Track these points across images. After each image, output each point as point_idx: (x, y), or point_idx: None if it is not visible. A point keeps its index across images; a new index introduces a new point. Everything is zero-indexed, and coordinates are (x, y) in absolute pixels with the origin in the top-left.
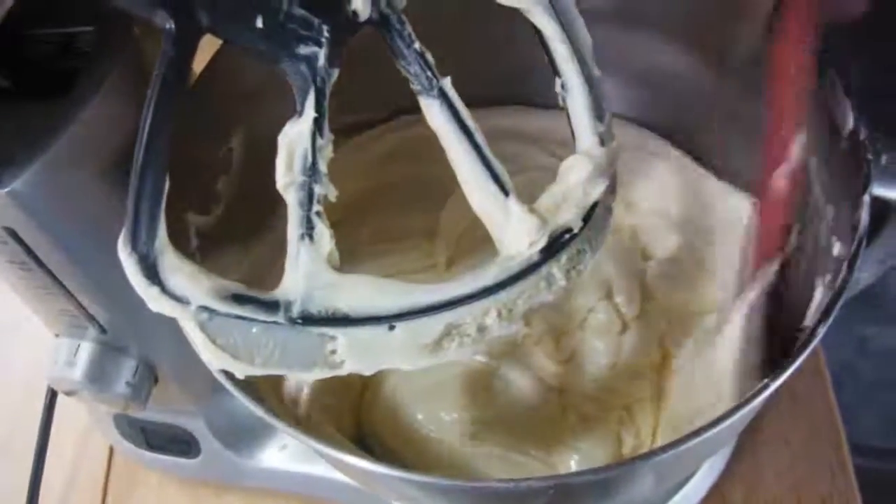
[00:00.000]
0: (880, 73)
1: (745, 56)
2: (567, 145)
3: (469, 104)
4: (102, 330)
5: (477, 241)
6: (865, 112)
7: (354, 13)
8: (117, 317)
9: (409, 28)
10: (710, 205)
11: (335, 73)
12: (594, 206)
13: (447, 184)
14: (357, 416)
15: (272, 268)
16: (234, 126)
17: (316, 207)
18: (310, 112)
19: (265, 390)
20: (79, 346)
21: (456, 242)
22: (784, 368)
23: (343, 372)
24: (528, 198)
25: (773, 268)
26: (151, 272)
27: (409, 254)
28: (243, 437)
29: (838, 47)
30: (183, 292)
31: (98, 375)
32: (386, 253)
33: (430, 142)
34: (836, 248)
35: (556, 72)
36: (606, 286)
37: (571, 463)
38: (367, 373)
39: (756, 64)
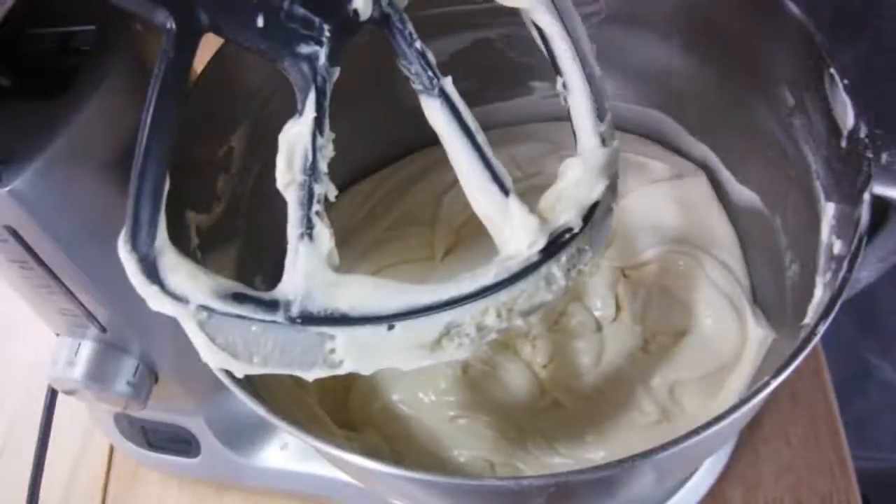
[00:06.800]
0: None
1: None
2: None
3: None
4: (103, 329)
5: (477, 232)
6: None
7: (355, 12)
8: (118, 316)
9: (410, 27)
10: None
11: (336, 72)
12: (595, 205)
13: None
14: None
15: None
16: (235, 125)
17: (316, 207)
18: (310, 111)
19: (311, 391)
20: (79, 345)
21: (456, 232)
22: (784, 367)
23: (342, 371)
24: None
25: None
26: (151, 271)
27: (410, 241)
28: (243, 436)
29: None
30: (182, 291)
31: (99, 374)
32: (389, 240)
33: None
34: (837, 247)
35: (557, 71)
36: (576, 289)
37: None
38: (366, 372)
39: (756, 63)
